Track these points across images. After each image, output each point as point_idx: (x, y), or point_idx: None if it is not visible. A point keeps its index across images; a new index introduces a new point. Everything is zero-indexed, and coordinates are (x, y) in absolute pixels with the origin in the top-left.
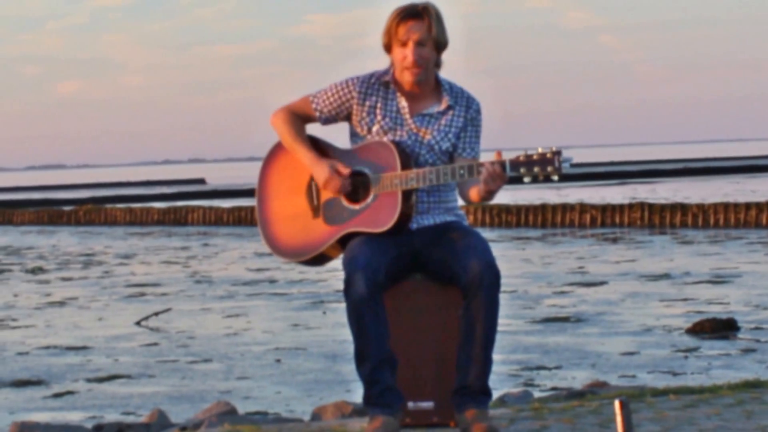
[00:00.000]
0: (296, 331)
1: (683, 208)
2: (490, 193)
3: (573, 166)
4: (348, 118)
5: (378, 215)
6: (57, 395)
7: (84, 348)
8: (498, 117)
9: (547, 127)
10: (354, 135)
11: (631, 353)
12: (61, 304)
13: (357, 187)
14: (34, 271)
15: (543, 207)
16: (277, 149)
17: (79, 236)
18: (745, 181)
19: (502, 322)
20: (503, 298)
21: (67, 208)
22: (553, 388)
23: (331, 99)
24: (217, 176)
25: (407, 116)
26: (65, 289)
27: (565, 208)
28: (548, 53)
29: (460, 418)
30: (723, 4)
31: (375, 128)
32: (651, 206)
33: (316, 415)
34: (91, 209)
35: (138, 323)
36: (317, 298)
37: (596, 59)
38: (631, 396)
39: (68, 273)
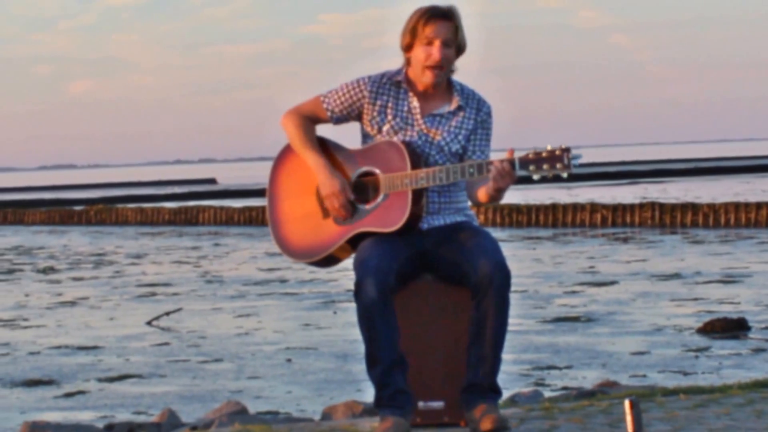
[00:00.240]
0: (307, 330)
1: (694, 207)
2: (499, 192)
3: (584, 165)
4: (359, 117)
5: (388, 215)
6: (68, 395)
7: (95, 348)
8: (509, 117)
9: (557, 126)
10: (365, 135)
11: (642, 353)
12: (73, 303)
13: (367, 186)
14: (46, 270)
15: (554, 207)
16: (288, 150)
17: (90, 236)
18: (756, 180)
19: (513, 321)
20: (514, 298)
21: (78, 208)
22: (564, 388)
23: (342, 99)
24: (228, 176)
25: (418, 116)
26: (76, 288)
27: (576, 207)
28: (559, 53)
29: (470, 416)
30: (735, 3)
31: (385, 128)
32: (662, 206)
33: (327, 415)
34: (102, 209)
35: (149, 323)
36: (328, 298)
37: (608, 59)
38: (641, 396)
39: (79, 273)
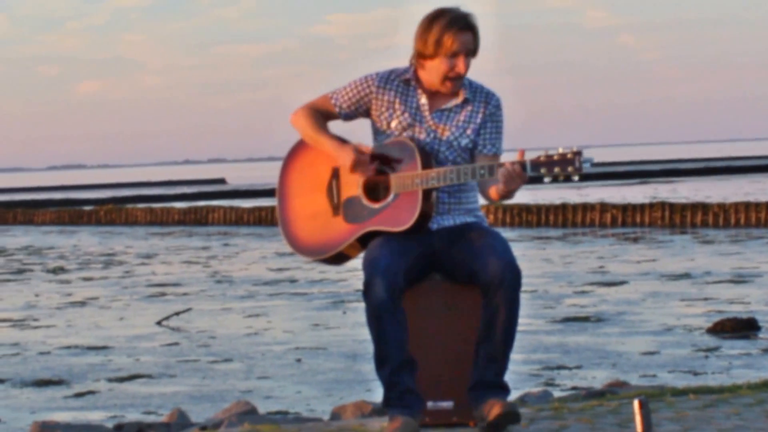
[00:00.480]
0: (316, 330)
1: (704, 207)
2: (510, 192)
3: (593, 165)
4: (368, 113)
5: (398, 214)
6: (78, 395)
7: (105, 348)
8: (518, 116)
9: (566, 126)
10: (375, 130)
11: (652, 353)
12: (82, 303)
13: (378, 185)
14: (55, 271)
15: (563, 207)
16: (298, 148)
17: (99, 236)
18: (767, 180)
19: (523, 321)
20: (524, 298)
21: (87, 208)
22: (574, 388)
23: (351, 95)
24: (237, 176)
25: (426, 113)
26: (86, 289)
27: (586, 207)
28: (567, 52)
29: (479, 413)
30: (744, 3)
31: (394, 123)
32: (672, 206)
33: (336, 415)
34: (112, 209)
35: (159, 323)
36: (337, 298)
37: (615, 58)
38: (650, 396)
39: (89, 273)
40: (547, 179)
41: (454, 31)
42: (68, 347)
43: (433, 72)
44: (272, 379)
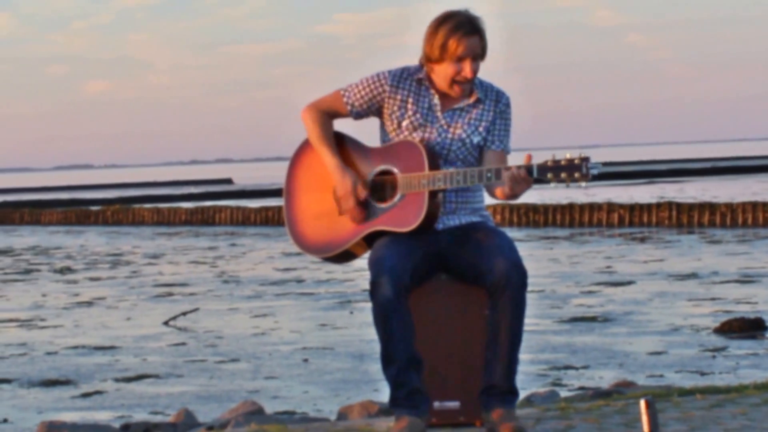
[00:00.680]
0: (323, 330)
1: (711, 207)
2: (515, 195)
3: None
4: (379, 112)
5: (404, 214)
6: (85, 395)
7: (112, 348)
8: (527, 115)
9: (574, 125)
10: (385, 130)
11: (659, 353)
12: (89, 304)
13: (384, 185)
14: (62, 271)
15: (570, 206)
16: (305, 147)
17: (106, 236)
18: None
19: (530, 321)
20: (530, 298)
21: (94, 208)
22: (581, 388)
23: (363, 92)
24: (244, 176)
25: (439, 113)
26: (93, 289)
27: (593, 207)
28: (577, 52)
29: (487, 418)
30: (752, 2)
31: (405, 123)
32: (679, 205)
33: (343, 415)
34: (119, 209)
35: (166, 323)
36: (344, 298)
37: (624, 58)
38: (657, 396)
39: (96, 273)
40: (553, 184)
41: (460, 35)
42: (75, 347)
43: (440, 75)
44: (279, 379)
